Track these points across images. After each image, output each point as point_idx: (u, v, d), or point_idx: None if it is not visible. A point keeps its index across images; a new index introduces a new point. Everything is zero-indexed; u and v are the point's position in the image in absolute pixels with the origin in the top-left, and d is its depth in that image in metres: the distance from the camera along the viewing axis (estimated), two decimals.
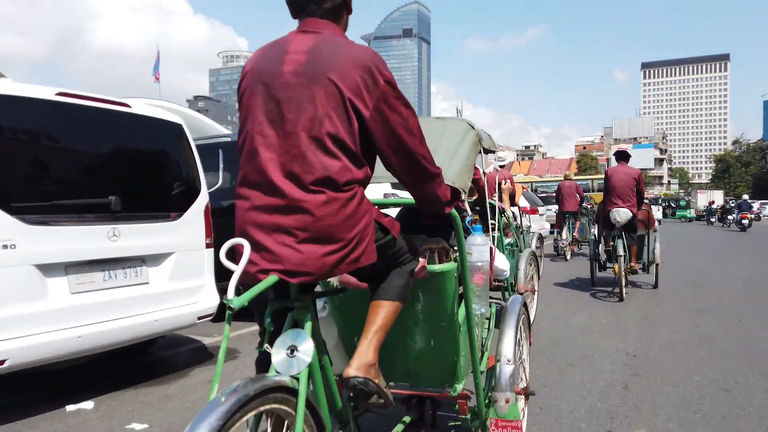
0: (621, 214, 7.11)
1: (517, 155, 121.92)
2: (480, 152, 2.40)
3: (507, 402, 2.30)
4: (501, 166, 6.91)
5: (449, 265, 2.08)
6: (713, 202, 38.15)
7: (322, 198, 1.54)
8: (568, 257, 12.05)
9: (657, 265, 7.93)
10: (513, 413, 2.32)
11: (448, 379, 2.30)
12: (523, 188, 13.71)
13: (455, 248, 2.24)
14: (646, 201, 7.89)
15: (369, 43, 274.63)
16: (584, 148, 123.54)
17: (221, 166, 5.87)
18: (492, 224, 4.93)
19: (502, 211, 5.08)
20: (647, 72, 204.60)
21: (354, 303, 2.23)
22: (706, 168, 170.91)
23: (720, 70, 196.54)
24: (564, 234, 12.01)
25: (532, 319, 5.13)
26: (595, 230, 8.46)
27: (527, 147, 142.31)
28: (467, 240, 2.05)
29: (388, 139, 1.63)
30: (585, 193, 13.30)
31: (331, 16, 1.68)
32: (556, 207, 12.57)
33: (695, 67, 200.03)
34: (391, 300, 1.80)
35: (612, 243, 7.37)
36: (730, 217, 31.42)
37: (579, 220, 12.37)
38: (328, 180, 1.55)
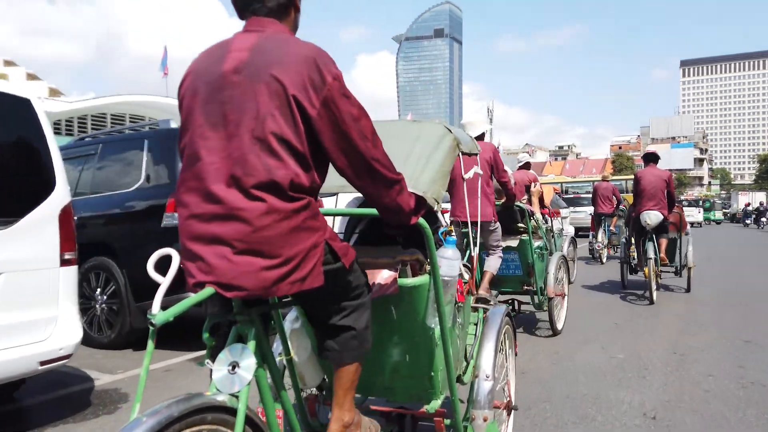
0: (651, 216, 7.08)
1: (550, 155, 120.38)
2: (459, 156, 2.31)
3: (485, 420, 2.23)
4: (521, 167, 6.99)
5: (421, 279, 1.97)
6: (749, 204, 37.15)
7: (263, 207, 1.44)
8: (604, 260, 11.91)
9: (690, 268, 7.86)
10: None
11: (425, 395, 2.22)
12: (555, 190, 13.59)
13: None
14: (677, 203, 7.84)
15: (400, 44, 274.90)
16: (620, 148, 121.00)
17: (144, 160, 4.99)
18: (521, 227, 5.05)
19: (531, 214, 5.17)
20: (686, 70, 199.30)
21: None
22: (749, 168, 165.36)
23: (763, 68, 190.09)
24: (599, 237, 11.89)
25: (561, 326, 5.23)
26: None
27: (560, 147, 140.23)
28: (437, 253, 1.94)
29: (337, 140, 1.52)
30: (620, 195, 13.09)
31: (277, 15, 1.62)
32: (590, 209, 12.41)
33: (737, 65, 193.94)
34: (350, 363, 1.73)
35: (642, 246, 7.34)
36: (763, 219, 30.80)
37: (614, 223, 12.21)
38: (271, 184, 1.45)
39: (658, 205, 7.15)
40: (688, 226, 8.42)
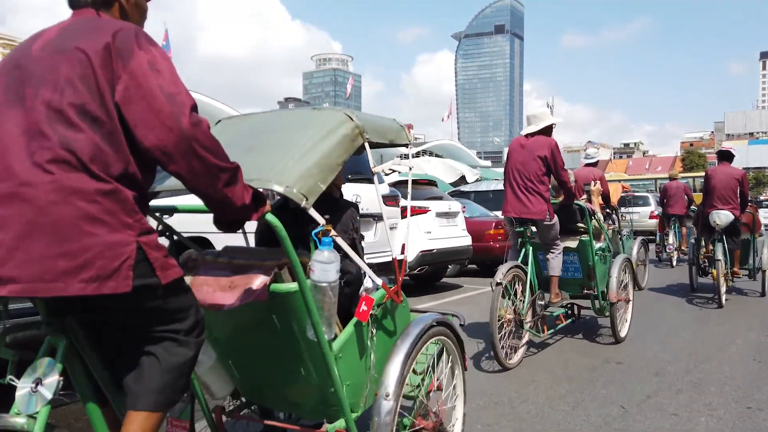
0: (721, 216, 6.77)
1: (614, 153, 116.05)
2: (366, 148, 2.07)
3: None
4: (588, 164, 6.74)
5: (291, 286, 1.79)
6: None
7: (54, 183, 1.29)
8: (674, 263, 11.40)
9: (765, 272, 7.48)
10: None
11: (328, 413, 2.05)
12: (624, 188, 13.07)
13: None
14: (752, 203, 7.45)
15: (459, 42, 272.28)
16: (691, 145, 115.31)
17: None
18: (580, 227, 4.90)
19: (592, 213, 5.00)
20: (766, 62, 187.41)
21: (220, 321, 2.03)
22: None
23: None
24: (671, 239, 11.39)
25: (624, 334, 5.04)
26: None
27: (626, 145, 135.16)
28: (313, 255, 1.78)
29: (145, 116, 1.37)
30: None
31: (102, 6, 1.54)
32: (648, 209, 11.87)
33: None
34: (147, 411, 1.44)
35: (711, 247, 7.04)
36: None
37: (685, 225, 11.64)
38: (67, 158, 1.32)
39: (729, 204, 6.82)
40: (762, 227, 7.98)
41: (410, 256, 7.35)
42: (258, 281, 1.79)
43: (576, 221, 4.90)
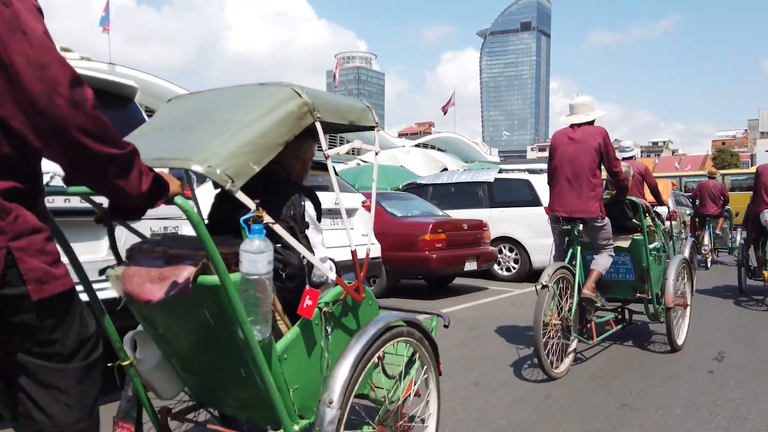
0: None
1: (642, 151, 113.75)
2: (317, 129, 1.88)
3: None
4: (626, 158, 6.22)
5: (214, 279, 1.61)
6: None
7: None
8: (709, 265, 10.90)
9: None
10: None
11: (275, 420, 1.86)
12: (673, 185, 12.49)
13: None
14: None
15: (485, 39, 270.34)
16: (723, 143, 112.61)
17: None
18: (634, 224, 4.46)
19: (646, 210, 4.56)
20: None
21: (158, 316, 1.90)
22: None
23: None
24: (705, 240, 10.88)
25: (681, 342, 4.59)
26: (738, 235, 7.60)
27: (655, 143, 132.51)
28: (242, 245, 1.59)
29: (8, 91, 1.12)
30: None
31: None
32: (679, 208, 11.30)
33: None
34: None
35: (762, 248, 6.69)
36: None
37: (720, 225, 11.09)
38: None
39: None
40: None
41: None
42: (185, 273, 1.64)
43: (628, 218, 4.45)
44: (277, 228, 1.70)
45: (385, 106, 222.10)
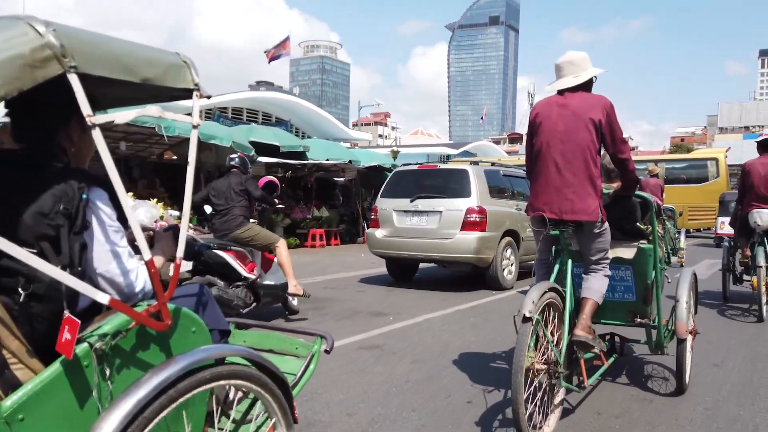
0: (763, 216, 5.90)
1: None
2: (70, 82, 1.37)
3: None
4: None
5: None
6: None
7: None
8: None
9: None
10: None
11: None
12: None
13: None
14: None
15: (453, 33, 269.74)
16: (682, 140, 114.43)
17: None
18: (639, 228, 3.41)
19: (659, 210, 3.49)
20: (765, 60, 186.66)
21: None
22: None
23: None
24: None
25: (688, 381, 3.57)
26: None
27: None
28: None
29: None
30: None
31: None
32: None
33: None
34: None
35: (751, 252, 6.16)
36: None
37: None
38: None
39: None
40: None
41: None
42: None
43: (635, 220, 3.36)
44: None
45: (350, 98, 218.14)
